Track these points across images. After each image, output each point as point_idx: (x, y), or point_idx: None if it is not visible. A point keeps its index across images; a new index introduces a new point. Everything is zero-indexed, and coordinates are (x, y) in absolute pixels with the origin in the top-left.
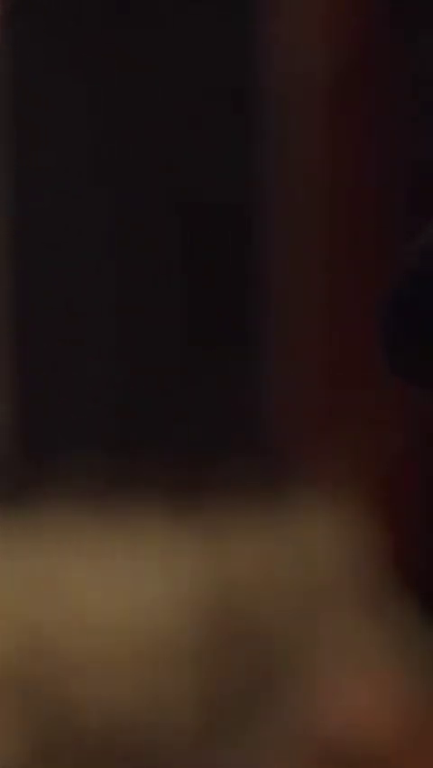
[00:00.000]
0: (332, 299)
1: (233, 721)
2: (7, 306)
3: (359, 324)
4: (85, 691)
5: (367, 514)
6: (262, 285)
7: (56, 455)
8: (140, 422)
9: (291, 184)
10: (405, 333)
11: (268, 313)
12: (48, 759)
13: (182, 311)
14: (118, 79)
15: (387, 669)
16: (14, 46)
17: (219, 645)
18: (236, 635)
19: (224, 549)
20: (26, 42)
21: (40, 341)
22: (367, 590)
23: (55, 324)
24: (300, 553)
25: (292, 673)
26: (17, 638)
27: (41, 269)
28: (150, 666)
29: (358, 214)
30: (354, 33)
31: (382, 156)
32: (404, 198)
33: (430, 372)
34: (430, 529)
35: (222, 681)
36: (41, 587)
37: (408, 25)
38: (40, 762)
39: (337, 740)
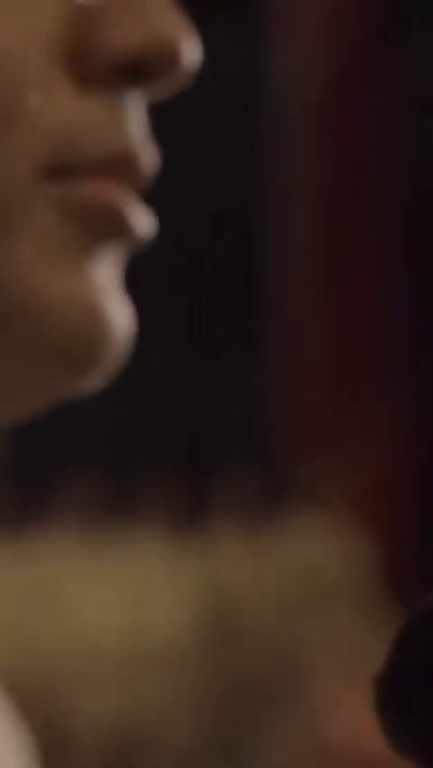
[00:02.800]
0: (333, 311)
1: (233, 731)
2: None
3: (361, 334)
4: (83, 699)
5: (366, 525)
6: (264, 298)
7: (55, 471)
8: (139, 436)
9: (293, 191)
10: (404, 710)
11: (270, 328)
12: (47, 763)
13: (182, 325)
14: None
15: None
16: None
17: (218, 656)
18: (236, 645)
19: (223, 560)
20: None
21: None
22: (365, 599)
23: None
24: (300, 563)
25: (292, 682)
26: (20, 648)
27: None
28: (149, 674)
29: (359, 218)
30: (353, 35)
31: (382, 156)
32: (405, 200)
33: (429, 750)
34: (427, 539)
35: (221, 692)
36: (42, 600)
37: (408, 26)
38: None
39: (337, 746)
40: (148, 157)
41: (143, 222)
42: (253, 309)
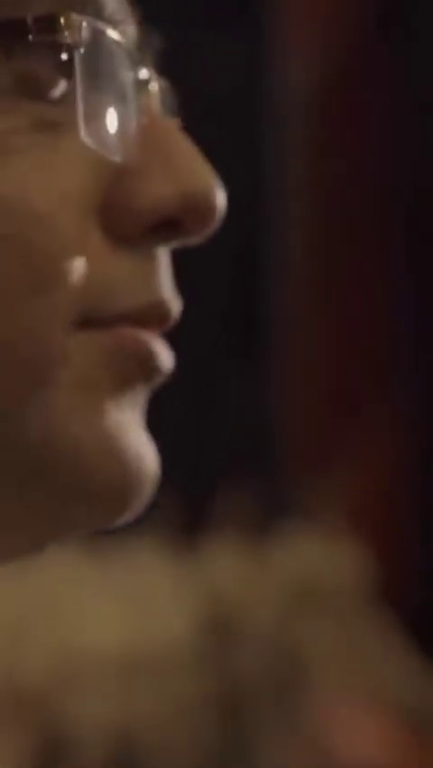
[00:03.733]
0: (334, 322)
1: (234, 739)
2: None
3: (362, 347)
4: (83, 708)
5: (366, 534)
6: (262, 310)
7: None
8: None
9: (293, 192)
10: None
11: (269, 342)
12: None
13: (180, 341)
14: None
15: (380, 690)
16: None
17: (219, 665)
18: (237, 654)
19: (223, 568)
20: None
21: None
22: (365, 608)
23: None
24: (299, 572)
25: (292, 690)
26: (21, 659)
27: None
28: (149, 684)
29: (359, 219)
30: (353, 35)
31: (382, 157)
32: (405, 200)
33: None
34: (426, 557)
35: (222, 700)
36: (42, 611)
37: (408, 26)
38: None
39: (337, 751)
40: (175, 305)
41: (169, 361)
42: (251, 323)
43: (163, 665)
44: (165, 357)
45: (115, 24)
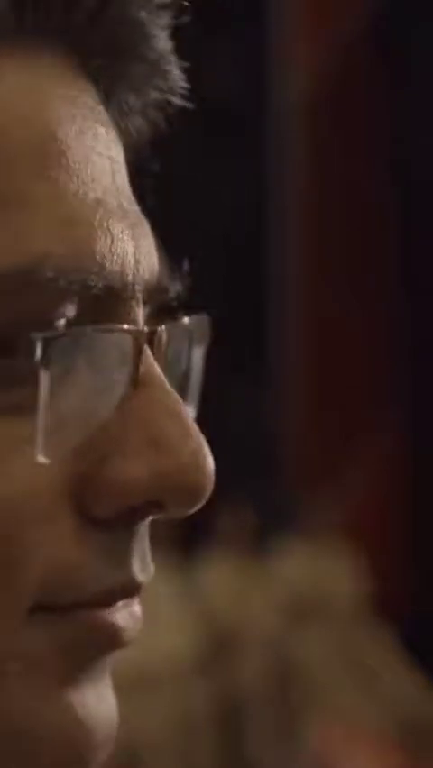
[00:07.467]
0: (332, 343)
1: (232, 753)
2: None
3: (361, 366)
4: None
5: (361, 551)
6: (262, 330)
7: None
8: None
9: (293, 204)
10: None
11: (269, 360)
12: None
13: None
14: None
15: (378, 703)
16: None
17: (217, 679)
18: (235, 668)
19: (222, 585)
20: None
21: None
22: (361, 623)
23: None
24: (296, 588)
25: (289, 703)
26: None
27: None
28: (151, 698)
29: (359, 226)
30: (352, 36)
31: (382, 165)
32: (404, 218)
33: None
34: (421, 571)
35: (220, 715)
36: None
37: (407, 26)
38: None
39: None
40: (144, 577)
41: (135, 627)
42: (251, 342)
43: (164, 680)
44: (129, 627)
45: (123, 303)
